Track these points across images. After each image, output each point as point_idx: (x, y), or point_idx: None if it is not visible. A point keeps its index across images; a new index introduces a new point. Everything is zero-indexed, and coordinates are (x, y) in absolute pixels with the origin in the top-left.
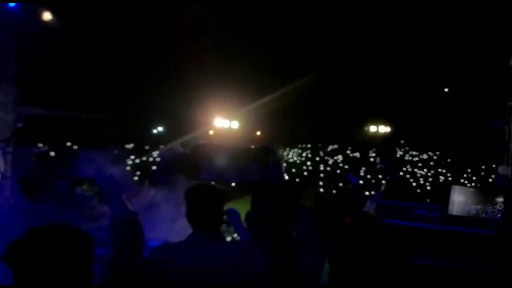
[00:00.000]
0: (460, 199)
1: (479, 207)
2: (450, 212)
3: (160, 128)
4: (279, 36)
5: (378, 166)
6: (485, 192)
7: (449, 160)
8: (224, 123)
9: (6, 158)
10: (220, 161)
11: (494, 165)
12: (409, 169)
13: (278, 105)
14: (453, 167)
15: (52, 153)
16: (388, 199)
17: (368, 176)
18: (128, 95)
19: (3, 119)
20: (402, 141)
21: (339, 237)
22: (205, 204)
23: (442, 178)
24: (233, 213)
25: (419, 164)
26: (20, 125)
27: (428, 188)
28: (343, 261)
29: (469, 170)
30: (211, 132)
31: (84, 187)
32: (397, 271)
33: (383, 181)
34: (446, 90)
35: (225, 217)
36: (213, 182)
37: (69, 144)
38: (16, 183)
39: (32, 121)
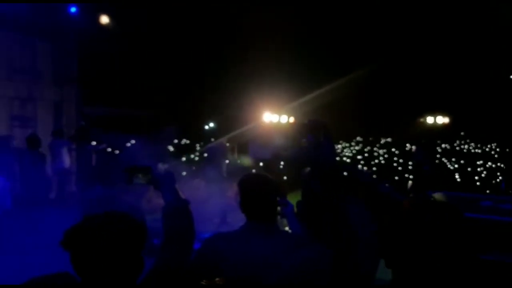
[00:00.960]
0: None
1: None
2: None
3: (211, 124)
4: (328, 30)
5: (413, 155)
6: None
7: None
8: (273, 118)
9: (71, 154)
10: (269, 140)
11: None
12: (464, 162)
13: (329, 99)
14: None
15: (109, 149)
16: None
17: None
18: (180, 93)
19: (69, 118)
20: (462, 133)
21: (396, 221)
22: (259, 193)
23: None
24: (286, 204)
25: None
26: (83, 123)
27: (492, 180)
28: (399, 246)
29: None
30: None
31: (140, 175)
32: (461, 253)
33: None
34: (511, 77)
35: (278, 208)
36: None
37: (129, 141)
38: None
39: (95, 119)
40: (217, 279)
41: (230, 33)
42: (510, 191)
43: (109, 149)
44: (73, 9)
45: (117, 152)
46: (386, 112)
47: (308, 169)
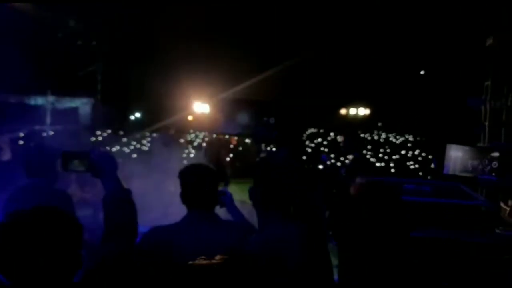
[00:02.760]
0: (457, 155)
1: (475, 162)
2: (447, 168)
3: (137, 115)
4: (257, 19)
5: (341, 144)
6: (480, 149)
7: (424, 140)
8: (203, 108)
9: None
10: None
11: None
12: (387, 151)
13: (256, 89)
14: (431, 149)
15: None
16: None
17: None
18: (103, 79)
19: None
20: (379, 124)
21: (344, 204)
22: (199, 183)
23: (421, 159)
24: (225, 193)
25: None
26: None
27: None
28: (346, 227)
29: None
30: (190, 118)
31: (76, 161)
32: (400, 234)
33: (345, 158)
34: (422, 72)
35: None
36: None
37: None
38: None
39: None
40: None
41: (157, 19)
42: (440, 170)
43: (21, 141)
44: None
45: (32, 143)
46: (310, 104)
47: (263, 155)
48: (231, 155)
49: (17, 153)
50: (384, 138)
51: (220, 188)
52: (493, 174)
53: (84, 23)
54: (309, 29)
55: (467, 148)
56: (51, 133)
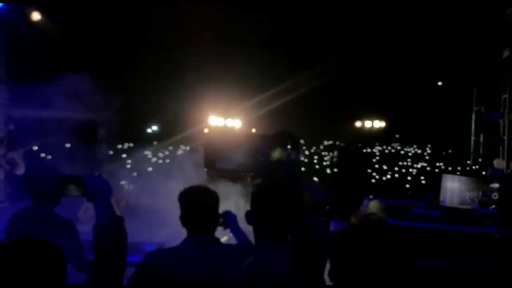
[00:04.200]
0: (453, 186)
1: (473, 194)
2: (443, 199)
3: (154, 128)
4: (273, 34)
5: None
6: (478, 180)
7: (443, 153)
8: (219, 121)
9: None
10: (237, 149)
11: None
12: (404, 163)
13: (273, 103)
14: (448, 161)
15: (43, 154)
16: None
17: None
18: (120, 94)
19: None
20: (397, 136)
21: (344, 238)
22: (199, 206)
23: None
24: (229, 214)
25: (409, 159)
26: (12, 127)
27: (423, 182)
28: (347, 262)
29: (465, 162)
30: (206, 131)
31: (71, 186)
32: (402, 274)
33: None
34: (439, 83)
35: (221, 219)
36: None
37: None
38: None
39: (25, 123)
40: None
41: (173, 30)
42: (435, 202)
43: (43, 155)
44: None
45: (49, 157)
46: (327, 116)
47: (259, 180)
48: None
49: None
50: (396, 150)
51: (224, 209)
52: (493, 206)
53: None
54: (324, 42)
55: (464, 178)
56: (68, 145)
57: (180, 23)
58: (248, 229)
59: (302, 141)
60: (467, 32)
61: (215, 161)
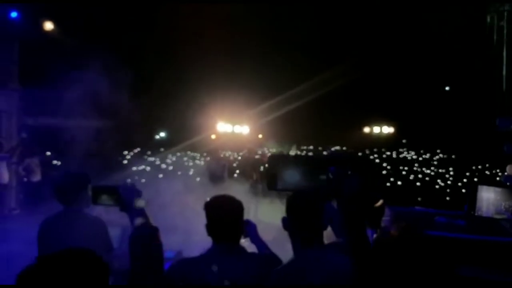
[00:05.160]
0: (489, 197)
1: (508, 203)
2: (479, 210)
3: (162, 134)
4: (280, 41)
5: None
6: (511, 190)
7: (453, 157)
8: (226, 127)
9: (10, 168)
10: (297, 170)
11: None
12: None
13: (280, 109)
14: (458, 167)
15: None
16: None
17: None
18: (129, 101)
19: (7, 129)
20: (404, 141)
21: (387, 249)
22: (224, 216)
23: (448, 178)
24: (249, 223)
25: (416, 164)
26: (24, 135)
27: (437, 187)
28: (386, 273)
29: (476, 167)
30: (213, 137)
31: (104, 196)
32: (444, 285)
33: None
34: (447, 88)
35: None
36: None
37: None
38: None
39: (38, 131)
40: None
41: (181, 37)
42: (472, 212)
43: (56, 162)
44: (13, 14)
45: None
46: (335, 122)
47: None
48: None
49: (47, 174)
50: (403, 155)
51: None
52: None
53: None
54: (332, 49)
55: (498, 189)
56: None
57: (188, 30)
58: (266, 238)
59: (311, 147)
60: (477, 38)
61: (277, 182)
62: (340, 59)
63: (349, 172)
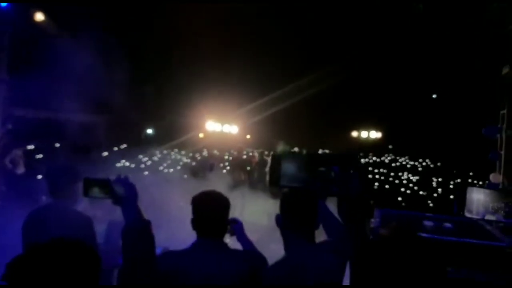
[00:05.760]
0: (479, 198)
1: (497, 205)
2: (468, 212)
3: (149, 131)
4: (270, 41)
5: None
6: (500, 192)
7: (438, 164)
8: (215, 127)
9: None
10: (299, 168)
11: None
12: (399, 175)
13: (269, 110)
14: (443, 174)
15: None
16: None
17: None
18: (118, 96)
19: None
20: (390, 146)
21: (375, 249)
22: (210, 211)
23: (431, 185)
24: (236, 221)
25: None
26: (10, 126)
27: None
28: (376, 274)
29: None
30: (201, 135)
31: (96, 189)
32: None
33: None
34: (434, 96)
35: (228, 226)
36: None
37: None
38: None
39: (25, 123)
40: None
41: (172, 35)
42: (461, 213)
43: (39, 156)
44: (3, 4)
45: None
46: (323, 125)
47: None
48: (248, 169)
49: (30, 167)
50: (390, 160)
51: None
52: None
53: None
54: (321, 51)
55: (487, 191)
56: (57, 145)
57: (178, 27)
58: (251, 238)
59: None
60: (466, 47)
61: (279, 179)
62: (330, 61)
63: (352, 172)
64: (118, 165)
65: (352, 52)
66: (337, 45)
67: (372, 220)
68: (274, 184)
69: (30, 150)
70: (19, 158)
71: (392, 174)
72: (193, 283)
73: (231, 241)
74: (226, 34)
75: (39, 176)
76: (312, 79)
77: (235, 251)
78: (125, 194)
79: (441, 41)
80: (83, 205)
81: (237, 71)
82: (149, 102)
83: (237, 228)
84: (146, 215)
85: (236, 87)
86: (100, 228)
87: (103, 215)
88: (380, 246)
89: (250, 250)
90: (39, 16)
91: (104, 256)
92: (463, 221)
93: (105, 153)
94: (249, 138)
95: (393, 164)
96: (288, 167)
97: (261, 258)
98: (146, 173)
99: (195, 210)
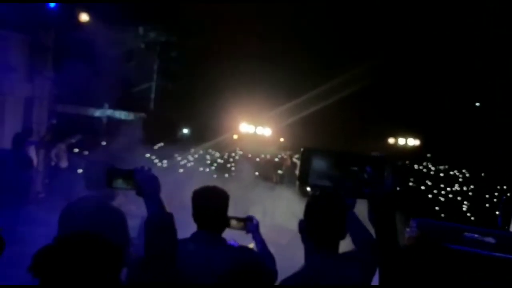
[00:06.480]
0: None
1: None
2: None
3: (185, 131)
4: (306, 44)
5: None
6: None
7: (482, 175)
8: (249, 129)
9: (39, 153)
10: (330, 166)
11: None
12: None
13: (303, 113)
14: (485, 186)
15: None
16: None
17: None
18: (156, 96)
19: (39, 115)
20: (428, 155)
21: (399, 259)
22: (207, 205)
23: (472, 196)
24: (251, 220)
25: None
26: (54, 121)
27: (465, 205)
28: (400, 282)
29: (499, 187)
30: (235, 137)
31: (121, 180)
32: None
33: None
34: (477, 104)
35: (243, 223)
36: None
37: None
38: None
39: (68, 118)
40: None
41: (208, 38)
42: (506, 227)
43: (77, 150)
44: (52, 4)
45: (86, 153)
46: (359, 129)
47: (318, 192)
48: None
49: (72, 161)
50: (434, 170)
51: (248, 214)
52: None
53: (143, 43)
54: (360, 53)
55: None
56: (104, 143)
57: (213, 31)
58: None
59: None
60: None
61: (308, 175)
62: (368, 64)
63: (385, 173)
64: (157, 162)
65: (391, 55)
66: (377, 46)
67: (408, 229)
68: (303, 181)
69: (72, 144)
70: (63, 153)
71: (430, 183)
72: (183, 272)
73: (246, 238)
74: (261, 37)
75: (80, 170)
76: (347, 82)
77: (230, 246)
78: (147, 186)
79: (488, 48)
80: (118, 199)
81: (272, 74)
82: (186, 102)
83: (252, 226)
84: (177, 214)
85: (271, 90)
86: (133, 223)
87: (138, 210)
88: (405, 256)
89: (261, 248)
90: (84, 17)
91: (137, 251)
92: (507, 236)
93: (143, 151)
94: (282, 141)
95: (431, 173)
96: (319, 164)
97: (258, 257)
98: (181, 171)
99: (194, 204)
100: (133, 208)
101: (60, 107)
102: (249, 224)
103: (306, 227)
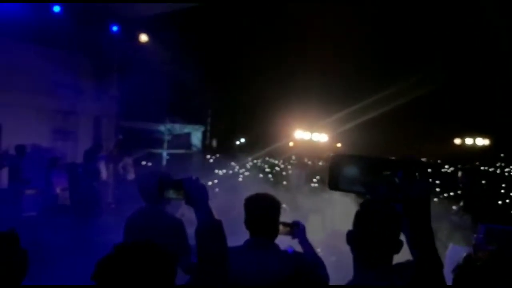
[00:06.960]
0: None
1: None
2: None
3: (242, 140)
4: (363, 46)
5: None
6: None
7: None
8: (304, 135)
9: (108, 167)
10: (361, 171)
11: None
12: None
13: (360, 117)
14: None
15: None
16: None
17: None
18: (215, 109)
19: (107, 132)
20: (502, 154)
21: (472, 274)
22: (260, 212)
23: None
24: (298, 225)
25: None
26: (121, 137)
27: None
28: None
29: None
30: (291, 144)
31: (171, 190)
32: None
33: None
34: None
35: (289, 228)
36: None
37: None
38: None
39: (132, 133)
40: None
41: (263, 46)
42: None
43: (144, 162)
44: (114, 28)
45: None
46: (421, 132)
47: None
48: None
49: (138, 173)
50: (501, 170)
51: (295, 220)
52: None
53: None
54: (419, 52)
55: None
56: (165, 155)
57: (269, 38)
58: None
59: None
60: None
61: (339, 181)
62: (429, 63)
63: (417, 177)
64: (216, 171)
65: (453, 52)
66: (438, 44)
67: (475, 235)
68: (334, 187)
69: (138, 158)
70: (129, 166)
71: (503, 185)
72: (237, 279)
73: (293, 244)
74: (320, 42)
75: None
76: (408, 83)
77: (283, 252)
78: (196, 195)
79: None
80: (182, 209)
81: (328, 79)
82: (242, 112)
83: (299, 232)
84: (236, 222)
85: (327, 95)
86: (193, 231)
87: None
88: (474, 269)
89: (310, 254)
90: (143, 37)
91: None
92: None
93: (201, 161)
94: (339, 147)
95: (505, 174)
96: (349, 170)
97: (310, 263)
98: (240, 179)
99: (247, 211)
100: (193, 217)
101: (125, 123)
102: (296, 229)
103: (354, 237)
